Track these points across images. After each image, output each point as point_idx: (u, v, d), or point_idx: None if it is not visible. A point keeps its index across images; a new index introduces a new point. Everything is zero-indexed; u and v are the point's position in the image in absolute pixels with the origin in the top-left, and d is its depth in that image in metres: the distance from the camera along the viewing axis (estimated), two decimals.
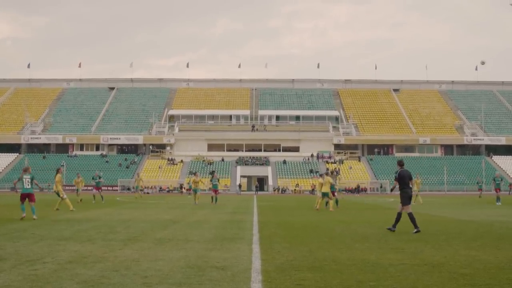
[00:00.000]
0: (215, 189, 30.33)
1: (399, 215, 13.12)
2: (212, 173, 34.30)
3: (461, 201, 38.05)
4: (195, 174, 31.59)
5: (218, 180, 32.15)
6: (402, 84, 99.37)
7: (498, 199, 30.37)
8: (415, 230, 12.72)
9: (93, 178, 31.51)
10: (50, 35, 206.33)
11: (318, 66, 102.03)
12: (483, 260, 8.49)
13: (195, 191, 29.72)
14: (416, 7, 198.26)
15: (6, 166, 76.23)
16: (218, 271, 7.32)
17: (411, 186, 13.22)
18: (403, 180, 13.11)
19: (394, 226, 13.08)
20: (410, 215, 12.91)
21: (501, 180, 31.82)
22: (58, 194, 22.37)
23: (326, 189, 23.25)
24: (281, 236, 11.98)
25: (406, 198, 13.05)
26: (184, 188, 59.82)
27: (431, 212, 22.20)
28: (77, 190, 30.36)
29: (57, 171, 23.02)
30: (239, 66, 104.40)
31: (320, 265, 7.86)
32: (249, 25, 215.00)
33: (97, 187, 31.46)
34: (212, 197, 29.99)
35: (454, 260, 8.48)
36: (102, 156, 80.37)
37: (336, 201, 25.00)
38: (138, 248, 9.73)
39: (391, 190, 13.67)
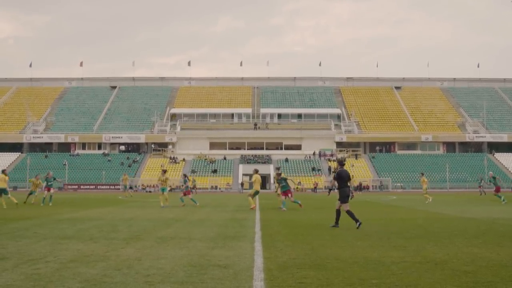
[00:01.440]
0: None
1: (338, 212, 13.75)
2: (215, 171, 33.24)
3: (463, 198, 38.01)
4: (165, 171, 27.03)
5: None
6: (404, 81, 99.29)
7: (500, 197, 30.12)
8: (358, 224, 13.20)
9: (46, 180, 29.10)
10: (52, 34, 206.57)
11: (320, 64, 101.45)
12: (486, 257, 8.48)
13: (163, 190, 25.82)
14: (418, 5, 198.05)
15: (9, 165, 76.23)
16: (220, 270, 7.32)
17: (349, 185, 13.80)
18: (342, 180, 13.70)
19: (336, 223, 13.71)
20: (349, 212, 13.46)
21: (494, 178, 31.70)
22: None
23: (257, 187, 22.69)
24: (283, 234, 11.97)
25: (344, 196, 13.62)
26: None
27: (433, 210, 22.18)
28: (31, 192, 28.68)
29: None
30: (241, 64, 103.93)
31: (322, 263, 7.85)
32: (250, 23, 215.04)
33: (48, 187, 29.19)
34: None
35: (457, 257, 8.47)
36: (104, 155, 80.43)
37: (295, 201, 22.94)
38: (140, 247, 9.74)
39: (329, 190, 14.15)
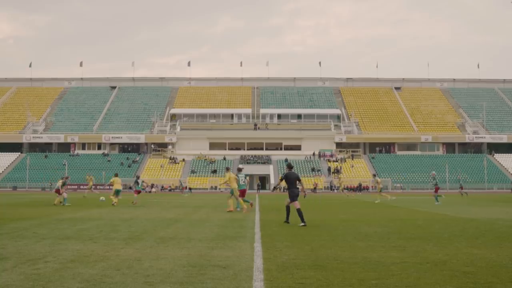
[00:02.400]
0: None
1: (288, 209, 15.26)
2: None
3: (462, 199, 38.00)
4: (116, 175, 28.89)
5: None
6: (403, 82, 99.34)
7: (437, 198, 30.55)
8: (302, 224, 14.16)
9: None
10: (52, 34, 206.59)
11: (320, 64, 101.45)
12: (485, 258, 8.48)
13: (117, 192, 27.32)
14: (418, 5, 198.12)
15: (8, 166, 76.31)
16: (220, 270, 7.32)
17: (298, 186, 15.14)
18: (290, 181, 15.04)
19: (287, 219, 15.14)
20: (298, 211, 14.58)
21: (434, 179, 32.38)
22: None
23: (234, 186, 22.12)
24: (283, 235, 11.97)
25: (292, 196, 14.90)
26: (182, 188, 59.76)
27: (433, 210, 22.19)
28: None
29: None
30: (241, 65, 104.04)
31: (322, 264, 7.86)
32: (250, 23, 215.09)
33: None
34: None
35: (456, 258, 8.47)
36: (104, 155, 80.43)
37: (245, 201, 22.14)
38: (140, 247, 9.74)
39: (274, 188, 15.19)
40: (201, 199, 37.41)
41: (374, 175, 37.18)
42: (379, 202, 30.18)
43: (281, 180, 15.33)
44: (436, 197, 29.81)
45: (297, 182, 15.05)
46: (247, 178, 25.01)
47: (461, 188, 48.41)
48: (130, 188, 68.04)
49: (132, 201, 26.20)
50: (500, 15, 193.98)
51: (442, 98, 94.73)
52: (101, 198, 26.99)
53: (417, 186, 69.49)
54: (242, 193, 22.07)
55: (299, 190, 15.16)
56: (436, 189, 30.50)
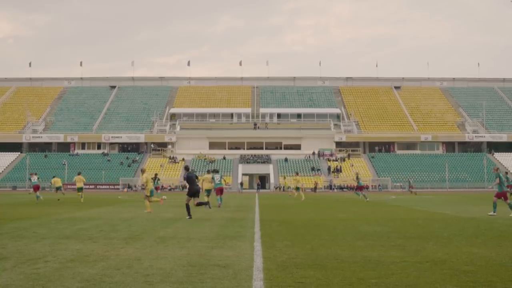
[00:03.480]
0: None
1: (187, 206, 16.90)
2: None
3: (462, 198, 38.00)
4: (79, 174, 32.87)
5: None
6: (403, 81, 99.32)
7: (358, 194, 32.31)
8: (188, 217, 16.33)
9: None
10: (51, 34, 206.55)
11: (319, 64, 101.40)
12: (485, 257, 8.49)
13: (80, 189, 31.46)
14: (418, 4, 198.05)
15: (8, 165, 76.28)
16: (220, 269, 7.33)
17: (197, 184, 17.78)
18: (191, 181, 17.43)
19: (189, 215, 16.63)
20: (188, 206, 16.91)
21: (358, 176, 34.57)
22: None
23: (208, 186, 24.20)
24: (283, 234, 11.98)
25: (193, 192, 17.30)
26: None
27: (433, 210, 22.20)
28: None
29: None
30: (240, 64, 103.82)
31: (322, 263, 7.86)
32: (250, 22, 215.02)
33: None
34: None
35: (456, 257, 8.48)
36: (104, 154, 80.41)
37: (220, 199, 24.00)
38: (140, 247, 9.74)
39: (183, 187, 17.06)
40: (200, 198, 37.35)
41: (297, 173, 39.44)
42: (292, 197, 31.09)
43: (185, 180, 17.72)
44: (359, 194, 31.54)
45: (198, 180, 17.82)
46: (223, 177, 27.09)
47: (411, 187, 49.62)
48: (130, 187, 68.18)
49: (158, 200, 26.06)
50: (500, 14, 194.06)
51: (442, 97, 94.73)
52: (163, 197, 27.16)
53: (417, 185, 69.40)
54: (220, 190, 24.17)
55: (199, 187, 17.82)
56: (361, 188, 33.20)
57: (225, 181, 26.51)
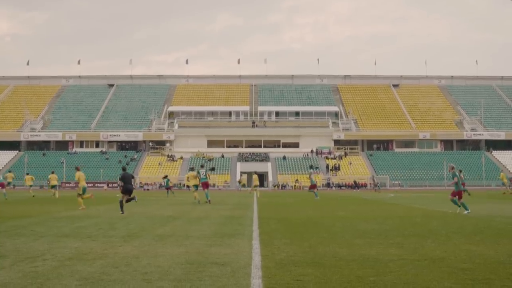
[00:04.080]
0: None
1: (121, 203, 18.26)
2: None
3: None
4: (52, 172, 36.14)
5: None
6: (401, 79, 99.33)
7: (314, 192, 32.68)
8: (121, 212, 17.64)
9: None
10: (49, 32, 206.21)
11: (318, 62, 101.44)
12: (483, 255, 8.50)
13: (54, 187, 34.51)
14: (416, 2, 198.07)
15: (6, 164, 76.20)
16: (218, 267, 7.33)
17: (132, 183, 18.96)
18: (126, 180, 18.75)
19: (122, 210, 17.87)
20: (127, 200, 18.57)
21: (311, 175, 35.44)
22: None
23: (194, 182, 26.03)
24: (281, 232, 11.99)
25: (126, 190, 18.56)
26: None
27: (431, 207, 22.22)
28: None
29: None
30: (239, 62, 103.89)
31: (320, 261, 7.86)
32: (249, 20, 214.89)
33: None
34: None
35: (455, 255, 8.48)
36: (102, 153, 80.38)
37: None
38: (138, 245, 9.74)
39: (120, 186, 19.06)
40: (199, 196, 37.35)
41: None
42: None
43: (120, 179, 18.95)
44: (314, 192, 32.48)
45: (132, 180, 19.13)
46: (208, 172, 28.25)
47: (375, 185, 50.76)
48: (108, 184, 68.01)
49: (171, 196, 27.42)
50: (498, 12, 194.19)
51: (440, 95, 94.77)
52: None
53: (415, 183, 69.53)
54: (205, 185, 25.65)
55: (132, 186, 19.01)
56: (314, 186, 33.30)
57: (209, 176, 27.79)
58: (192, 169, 28.82)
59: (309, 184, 34.58)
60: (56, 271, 7.03)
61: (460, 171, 19.66)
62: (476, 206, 23.63)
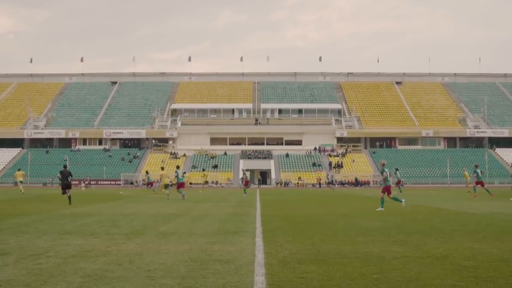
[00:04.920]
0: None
1: (69, 198, 21.46)
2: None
3: (464, 194, 37.98)
4: (18, 170, 37.95)
5: None
6: (404, 76, 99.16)
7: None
8: (69, 204, 20.96)
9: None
10: (52, 29, 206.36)
11: (320, 59, 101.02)
12: (487, 252, 8.49)
13: (20, 182, 35.97)
14: None
15: (10, 161, 76.37)
16: (221, 264, 7.34)
17: (69, 179, 22.15)
18: (64, 176, 22.03)
19: (70, 203, 21.05)
20: (69, 197, 21.60)
21: (244, 175, 36.44)
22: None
23: (166, 181, 29.94)
24: (284, 230, 11.99)
25: (65, 186, 21.84)
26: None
27: (434, 205, 22.20)
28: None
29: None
30: (241, 60, 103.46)
31: (323, 258, 7.87)
32: (252, 17, 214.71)
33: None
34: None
35: (458, 252, 8.48)
36: (105, 150, 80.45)
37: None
38: (141, 242, 9.76)
39: (60, 184, 22.29)
40: (202, 194, 37.43)
41: (194, 167, 41.36)
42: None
43: (58, 177, 22.31)
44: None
45: (71, 177, 22.21)
46: (185, 173, 31.85)
47: (330, 183, 50.90)
48: (131, 183, 68.27)
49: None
50: (501, 9, 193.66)
51: (443, 92, 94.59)
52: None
53: (418, 180, 69.44)
54: (181, 185, 27.91)
55: (69, 182, 21.94)
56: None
57: (183, 176, 29.95)
58: (162, 168, 32.34)
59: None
60: (59, 268, 7.05)
61: (397, 169, 20.04)
62: (479, 203, 23.61)
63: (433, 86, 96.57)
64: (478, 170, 30.53)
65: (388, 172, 19.10)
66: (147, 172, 43.01)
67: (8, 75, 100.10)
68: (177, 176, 27.53)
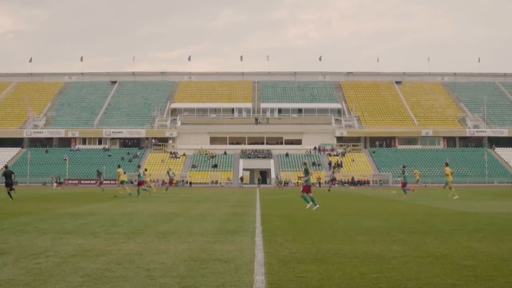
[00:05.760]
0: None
1: (9, 193, 24.27)
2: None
3: (463, 193, 37.95)
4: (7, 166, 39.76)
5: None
6: (404, 76, 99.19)
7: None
8: (10, 200, 23.47)
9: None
10: (52, 29, 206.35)
11: (320, 59, 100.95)
12: (486, 251, 8.49)
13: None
14: None
15: (9, 160, 76.31)
16: (221, 264, 7.34)
17: (12, 178, 25.26)
18: (7, 175, 24.93)
19: (11, 198, 23.63)
20: (9, 193, 24.26)
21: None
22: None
23: (122, 178, 31.58)
24: (284, 229, 11.99)
25: (8, 184, 24.82)
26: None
27: (434, 204, 22.20)
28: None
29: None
30: (241, 59, 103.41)
31: (323, 258, 7.87)
32: (252, 17, 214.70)
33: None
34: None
35: (457, 251, 8.48)
36: (105, 149, 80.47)
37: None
38: (141, 241, 9.75)
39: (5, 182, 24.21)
40: (202, 193, 37.43)
41: (138, 166, 40.81)
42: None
43: (3, 175, 24.82)
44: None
45: (12, 175, 25.15)
46: (144, 172, 32.58)
47: (279, 182, 50.80)
48: (132, 182, 68.17)
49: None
50: (501, 9, 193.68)
51: (443, 92, 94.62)
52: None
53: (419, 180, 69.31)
54: (141, 183, 30.29)
55: (12, 181, 24.89)
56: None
57: (145, 174, 32.35)
58: (119, 166, 33.49)
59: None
60: (59, 268, 7.05)
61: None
62: (479, 203, 23.61)
63: (432, 85, 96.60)
64: (406, 171, 31.48)
65: (312, 172, 19.21)
66: (143, 169, 41.94)
67: (7, 75, 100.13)
68: (138, 175, 30.73)
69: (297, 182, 67.24)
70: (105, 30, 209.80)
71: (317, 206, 18.47)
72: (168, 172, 43.59)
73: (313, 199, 18.66)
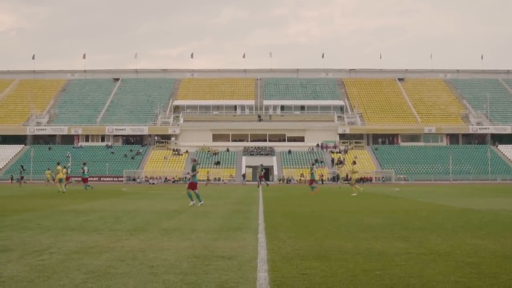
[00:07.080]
0: None
1: None
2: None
3: (466, 190, 37.95)
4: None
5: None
6: (407, 73, 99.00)
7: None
8: None
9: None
10: (54, 26, 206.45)
11: (322, 56, 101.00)
12: (489, 249, 8.48)
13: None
14: None
15: (12, 158, 76.49)
16: (224, 261, 7.34)
17: None
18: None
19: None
20: None
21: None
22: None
23: (60, 176, 32.21)
24: (286, 226, 11.99)
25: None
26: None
27: (437, 201, 22.18)
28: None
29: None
30: (244, 56, 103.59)
31: (326, 254, 7.87)
32: (254, 13, 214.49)
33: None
34: None
35: (460, 249, 8.47)
36: (108, 147, 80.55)
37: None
38: (144, 238, 9.77)
39: None
40: (204, 190, 37.47)
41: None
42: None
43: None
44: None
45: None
46: (87, 170, 36.31)
47: (260, 177, 50.97)
48: (134, 180, 68.41)
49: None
50: (504, 5, 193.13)
51: (446, 89, 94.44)
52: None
53: (420, 177, 69.39)
54: (85, 180, 34.43)
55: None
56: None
57: (87, 172, 36.20)
58: (58, 163, 34.34)
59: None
60: (62, 265, 7.07)
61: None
62: (482, 200, 23.59)
63: (435, 82, 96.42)
64: (314, 169, 33.30)
65: (197, 169, 19.47)
66: (85, 164, 40.00)
67: (10, 72, 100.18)
68: (83, 172, 34.67)
69: (300, 179, 67.33)
70: (107, 27, 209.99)
71: (202, 202, 18.88)
72: (65, 167, 37.22)
73: (198, 195, 18.99)
